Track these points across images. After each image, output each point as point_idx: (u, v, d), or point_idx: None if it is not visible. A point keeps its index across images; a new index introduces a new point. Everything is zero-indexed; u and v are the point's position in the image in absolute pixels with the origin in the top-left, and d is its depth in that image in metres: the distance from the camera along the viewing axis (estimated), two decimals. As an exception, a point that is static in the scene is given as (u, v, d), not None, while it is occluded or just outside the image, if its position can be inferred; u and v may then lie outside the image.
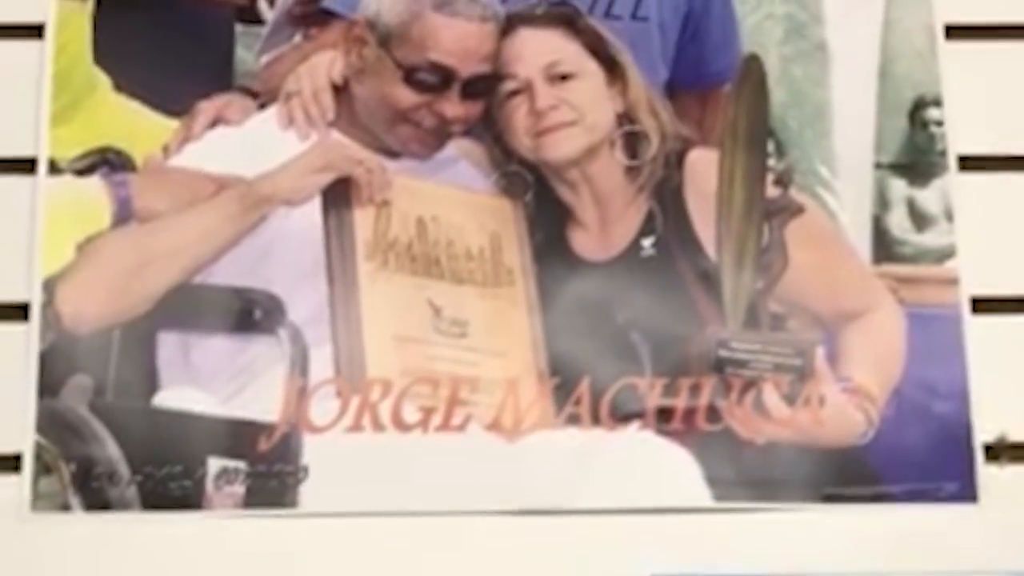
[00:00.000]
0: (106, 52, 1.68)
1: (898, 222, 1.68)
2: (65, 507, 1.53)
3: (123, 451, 1.54)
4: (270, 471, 1.54)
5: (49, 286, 1.58)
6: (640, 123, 1.66)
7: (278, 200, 1.62)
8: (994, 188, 1.67)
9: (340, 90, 1.68)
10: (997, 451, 1.58)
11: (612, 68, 1.67)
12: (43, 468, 1.54)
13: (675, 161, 1.66)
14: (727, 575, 1.49)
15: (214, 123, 1.67)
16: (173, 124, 1.67)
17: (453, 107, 1.65)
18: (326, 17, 1.73)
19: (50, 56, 1.66)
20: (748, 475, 1.56)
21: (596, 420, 1.57)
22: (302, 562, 1.53)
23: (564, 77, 1.66)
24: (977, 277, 1.63)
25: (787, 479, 1.56)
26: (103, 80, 1.68)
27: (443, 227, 1.64)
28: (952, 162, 1.67)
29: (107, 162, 1.64)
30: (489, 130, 1.67)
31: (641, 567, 1.51)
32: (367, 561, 1.53)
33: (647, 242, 1.65)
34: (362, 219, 1.62)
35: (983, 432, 1.58)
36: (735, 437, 1.57)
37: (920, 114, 1.70)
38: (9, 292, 1.59)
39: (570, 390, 1.58)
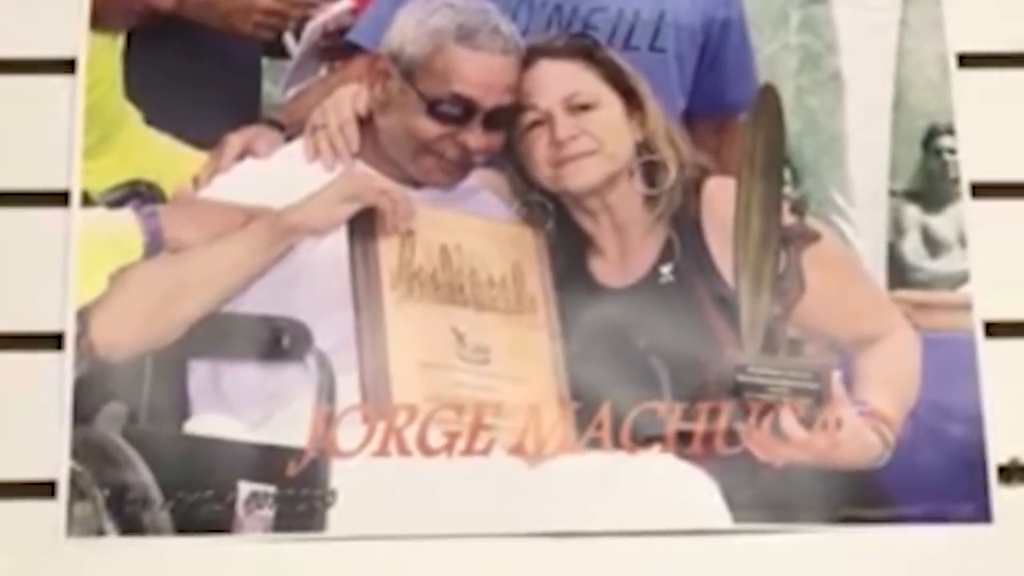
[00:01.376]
0: (137, 86, 1.71)
1: (912, 248, 1.70)
2: (100, 532, 1.56)
3: (156, 476, 1.57)
4: (299, 495, 1.57)
5: (83, 316, 1.61)
6: (658, 152, 1.69)
7: (305, 230, 1.65)
8: (1007, 214, 1.69)
9: (364, 122, 1.71)
10: (1011, 473, 1.60)
11: (631, 99, 1.69)
12: (78, 494, 1.57)
13: (693, 189, 1.68)
14: (746, 596, 1.52)
15: (242, 155, 1.70)
16: (202, 156, 1.70)
17: (475, 138, 1.67)
18: (351, 51, 1.76)
19: (82, 90, 1.69)
20: (766, 497, 1.58)
21: (617, 444, 1.59)
22: (330, 584, 1.56)
23: (584, 108, 1.68)
24: (990, 302, 1.65)
25: (805, 501, 1.58)
26: (134, 113, 1.71)
27: (466, 255, 1.67)
28: (965, 189, 1.69)
29: (138, 194, 1.67)
30: (510, 160, 1.70)
31: (662, 588, 1.53)
32: (394, 583, 1.55)
33: (666, 269, 1.67)
34: (387, 248, 1.64)
35: (997, 454, 1.60)
36: (753, 460, 1.59)
37: (933, 142, 1.72)
38: (44, 322, 1.62)
39: (591, 414, 1.60)
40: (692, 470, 1.59)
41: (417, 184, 1.70)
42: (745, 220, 1.64)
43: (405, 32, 1.68)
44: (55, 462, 1.58)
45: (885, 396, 1.62)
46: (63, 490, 1.57)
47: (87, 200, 1.66)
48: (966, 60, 1.73)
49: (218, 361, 1.63)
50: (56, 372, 1.60)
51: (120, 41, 1.72)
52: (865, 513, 1.58)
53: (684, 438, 1.59)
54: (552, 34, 1.72)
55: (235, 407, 1.62)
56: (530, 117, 1.68)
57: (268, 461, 1.57)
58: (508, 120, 1.68)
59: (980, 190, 1.69)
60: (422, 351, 1.62)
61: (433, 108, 1.67)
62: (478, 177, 1.71)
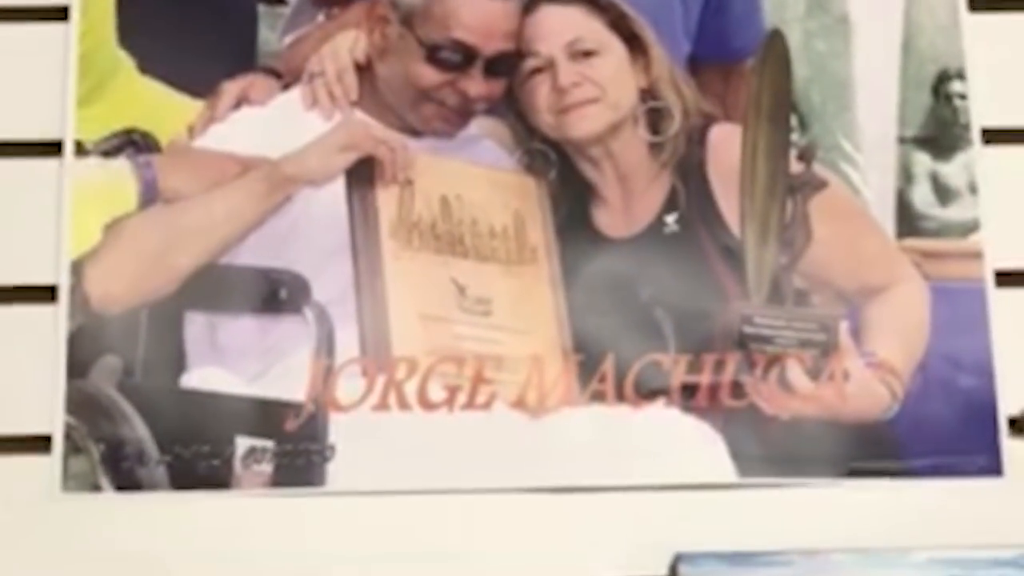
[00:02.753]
0: (130, 34, 1.68)
1: (922, 196, 1.67)
2: (95, 487, 1.55)
3: (152, 431, 1.55)
4: (297, 450, 1.55)
5: (77, 268, 1.59)
6: (663, 99, 1.66)
7: (303, 180, 1.62)
8: (1018, 161, 1.67)
9: (363, 70, 1.68)
10: (1022, 425, 1.58)
11: (634, 44, 1.67)
12: (73, 448, 1.55)
13: (698, 137, 1.66)
14: (752, 551, 1.50)
15: (238, 104, 1.68)
16: (198, 105, 1.67)
17: (476, 85, 1.65)
18: (349, -4, 1.73)
19: (75, 38, 1.66)
20: (773, 451, 1.56)
21: (621, 397, 1.57)
22: (329, 540, 1.54)
23: (587, 54, 1.66)
24: (1001, 250, 1.63)
25: (812, 454, 1.57)
26: (128, 62, 1.68)
27: (467, 205, 1.65)
28: (976, 135, 1.67)
29: (132, 143, 1.65)
30: (512, 108, 1.67)
31: (666, 543, 1.51)
32: (393, 539, 1.54)
33: (670, 218, 1.65)
34: (386, 198, 1.62)
35: (1008, 406, 1.58)
36: (759, 413, 1.57)
37: (943, 87, 1.69)
38: (37, 274, 1.60)
39: (594, 367, 1.58)
40: (697, 423, 1.57)
41: (417, 133, 1.67)
42: (751, 168, 1.62)
43: (404, -23, 1.66)
44: (49, 416, 1.56)
45: (894, 347, 1.60)
46: (58, 445, 1.55)
47: (80, 150, 1.64)
48: (977, 3, 1.70)
49: (215, 314, 1.61)
50: (50, 325, 1.59)
51: (113, -12, 1.69)
52: (873, 466, 1.57)
53: (689, 391, 1.57)
54: (554, -22, 1.69)
55: (232, 360, 1.60)
56: (532, 64, 1.66)
57: (266, 415, 1.56)
58: (509, 67, 1.66)
59: (991, 136, 1.67)
60: (422, 303, 1.60)
61: (433, 55, 1.65)
62: (479, 125, 1.68)
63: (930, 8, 1.71)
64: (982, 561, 1.49)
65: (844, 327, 1.59)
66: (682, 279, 1.62)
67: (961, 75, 1.69)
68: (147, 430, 1.55)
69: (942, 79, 1.69)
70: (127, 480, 1.55)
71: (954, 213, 1.66)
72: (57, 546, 1.53)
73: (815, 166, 1.62)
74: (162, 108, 1.67)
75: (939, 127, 1.69)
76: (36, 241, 1.61)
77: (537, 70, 1.65)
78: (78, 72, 1.66)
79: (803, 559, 1.50)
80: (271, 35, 1.73)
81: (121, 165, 1.63)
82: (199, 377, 1.59)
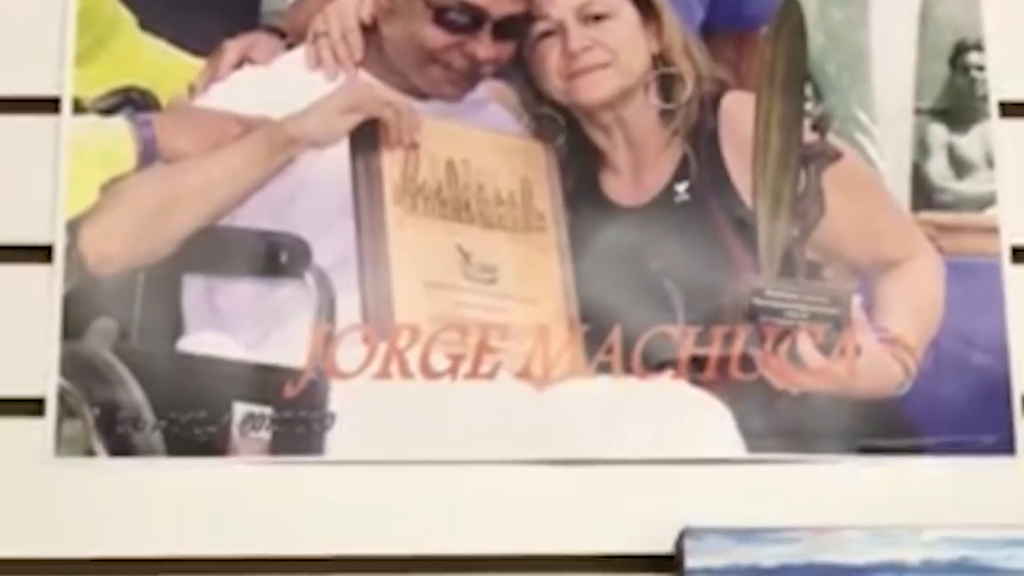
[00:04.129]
0: (131, -11, 1.66)
1: (938, 169, 1.65)
2: (89, 452, 1.52)
3: (147, 396, 1.53)
4: (296, 417, 1.53)
5: (73, 227, 1.57)
6: (675, 65, 1.64)
7: (305, 142, 1.60)
8: (1036, 135, 1.65)
9: (369, 30, 1.65)
10: (1036, 404, 1.57)
11: (647, 9, 1.64)
12: (67, 412, 1.53)
13: (710, 105, 1.63)
14: (761, 526, 1.48)
15: (240, 63, 1.65)
16: (199, 63, 1.65)
17: (484, 48, 1.62)
18: (355, -45, 1.71)
19: (74, -7, 1.64)
20: (782, 426, 1.54)
21: (628, 369, 1.55)
22: (327, 509, 1.52)
23: (598, 18, 1.63)
24: (1018, 225, 1.61)
25: (822, 430, 1.55)
26: (127, 18, 1.65)
27: (473, 171, 1.62)
28: (993, 108, 1.64)
29: (131, 101, 1.62)
30: (521, 72, 1.64)
31: (673, 518, 1.49)
32: (393, 509, 1.51)
33: (681, 187, 1.63)
34: (390, 162, 1.60)
35: (1022, 384, 1.56)
36: (769, 387, 1.55)
37: (961, 59, 1.67)
38: (33, 233, 1.57)
39: (601, 338, 1.56)
40: (705, 397, 1.55)
41: (423, 95, 1.65)
42: (764, 137, 1.60)
43: (412, -64, 1.64)
44: (43, 379, 1.54)
45: (907, 322, 1.58)
46: (51, 408, 1.53)
47: (78, 107, 1.61)
48: (996, -27, 1.69)
49: (213, 277, 1.59)
50: (45, 285, 1.56)
51: (114, -58, 1.67)
52: (884, 443, 1.55)
53: (697, 364, 1.55)
54: (565, -60, 1.67)
55: (231, 325, 1.57)
56: (541, 27, 1.63)
57: (264, 381, 1.53)
58: (518, 30, 1.63)
59: (1009, 109, 1.64)
60: (426, 270, 1.58)
61: (440, 16, 1.62)
62: (487, 89, 1.66)
63: (948, -22, 1.69)
64: (994, 540, 1.48)
65: (856, 301, 1.57)
66: (692, 249, 1.60)
67: (979, 46, 1.66)
68: (143, 394, 1.53)
69: (959, 50, 1.67)
70: (122, 445, 1.52)
71: (970, 186, 1.64)
72: (50, 511, 1.51)
73: (830, 137, 1.60)
74: (163, 66, 1.65)
75: (956, 99, 1.67)
76: (32, 200, 1.58)
77: (547, 33, 1.63)
78: (77, 28, 1.63)
79: (811, 536, 1.47)
80: (275, -7, 1.71)
81: (120, 123, 1.60)
82: (197, 341, 1.57)
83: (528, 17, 1.63)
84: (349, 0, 1.67)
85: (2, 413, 1.53)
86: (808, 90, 1.64)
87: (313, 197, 1.60)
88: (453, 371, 1.55)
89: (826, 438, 1.54)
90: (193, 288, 1.59)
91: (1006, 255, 1.60)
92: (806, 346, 1.55)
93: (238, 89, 1.64)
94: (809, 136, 1.59)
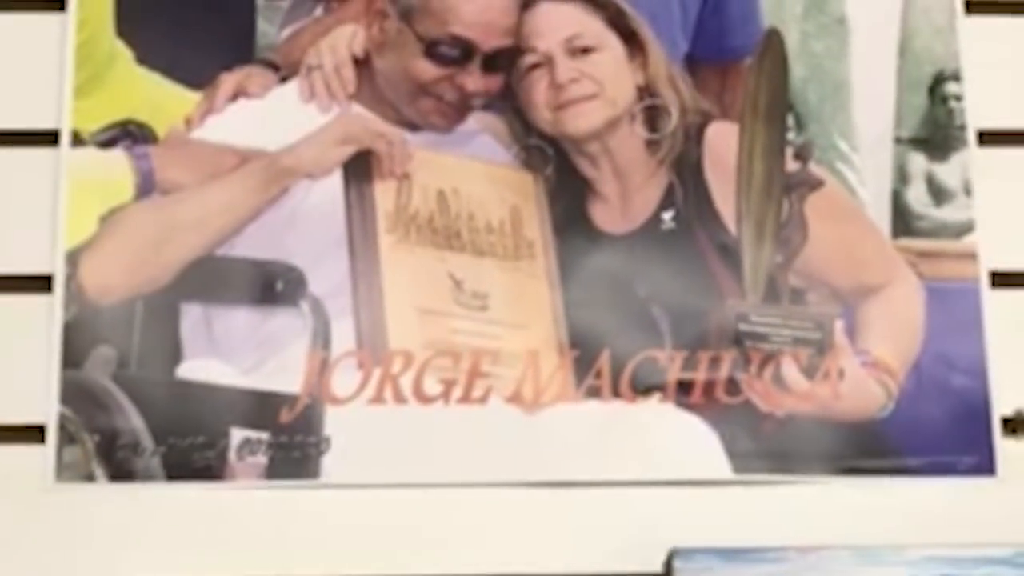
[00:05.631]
0: (128, 24, 1.68)
1: (917, 196, 1.68)
2: (89, 477, 1.54)
3: (146, 422, 1.55)
4: (292, 442, 1.55)
5: (72, 258, 1.59)
6: (660, 96, 1.66)
7: (300, 173, 1.62)
8: (1013, 163, 1.67)
9: (361, 63, 1.68)
10: (1015, 425, 1.59)
11: (632, 42, 1.67)
12: (67, 438, 1.55)
13: (695, 135, 1.66)
14: (748, 546, 1.50)
15: (235, 96, 1.67)
16: (195, 97, 1.67)
17: (474, 80, 1.65)
18: (347, -10, 1.73)
19: (72, 28, 1.66)
20: (767, 448, 1.57)
21: (616, 393, 1.58)
22: (324, 532, 1.54)
23: (585, 50, 1.66)
24: (996, 251, 1.64)
25: (806, 452, 1.57)
26: (125, 52, 1.68)
27: (464, 200, 1.65)
28: (971, 137, 1.67)
29: (129, 134, 1.64)
30: (510, 103, 1.67)
31: (662, 538, 1.51)
32: (388, 532, 1.54)
33: (667, 215, 1.65)
34: (383, 192, 1.62)
35: (1001, 406, 1.59)
36: (755, 410, 1.57)
37: (939, 89, 1.70)
38: (33, 264, 1.59)
39: (590, 363, 1.58)
40: (692, 420, 1.57)
41: (414, 127, 1.67)
42: (748, 166, 1.62)
43: (403, -28, 1.66)
44: (44, 406, 1.56)
45: (888, 346, 1.60)
46: (52, 435, 1.55)
47: (77, 140, 1.63)
48: (973, 6, 1.71)
49: (211, 305, 1.61)
50: (45, 315, 1.58)
51: (111, -22, 1.69)
52: (867, 464, 1.57)
53: (684, 387, 1.58)
54: (553, -25, 1.69)
55: (228, 352, 1.59)
56: (530, 59, 1.66)
57: (261, 407, 1.55)
58: (507, 62, 1.66)
59: (986, 138, 1.68)
60: (419, 297, 1.60)
61: (431, 49, 1.65)
62: (477, 120, 1.68)
63: (926, 10, 1.72)
64: (975, 559, 1.50)
65: (839, 326, 1.60)
66: (678, 276, 1.62)
67: (957, 77, 1.69)
68: (142, 421, 1.55)
69: (938, 81, 1.70)
70: (121, 471, 1.54)
71: (949, 214, 1.67)
72: (51, 536, 1.53)
73: (811, 165, 1.62)
74: (159, 99, 1.67)
75: (935, 128, 1.69)
76: (32, 231, 1.60)
77: (535, 66, 1.66)
78: (75, 62, 1.65)
79: (797, 555, 1.50)
80: (269, 28, 1.73)
81: (118, 156, 1.62)
82: (194, 368, 1.59)
83: (517, 50, 1.65)
84: (342, 34, 1.69)
85: (3, 440, 1.55)
86: (790, 120, 1.66)
87: (308, 227, 1.62)
88: (446, 396, 1.57)
89: (810, 460, 1.57)
90: (191, 316, 1.61)
91: (984, 280, 1.63)
92: (790, 370, 1.58)
93: (233, 121, 1.66)
94: (791, 165, 1.62)
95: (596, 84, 1.65)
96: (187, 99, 1.67)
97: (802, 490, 1.56)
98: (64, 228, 1.60)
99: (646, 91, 1.67)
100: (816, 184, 1.62)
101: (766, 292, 1.60)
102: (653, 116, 1.66)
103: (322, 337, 1.58)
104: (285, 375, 1.57)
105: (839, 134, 1.70)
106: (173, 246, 1.60)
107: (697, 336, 1.59)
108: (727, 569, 1.49)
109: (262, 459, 1.55)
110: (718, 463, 1.56)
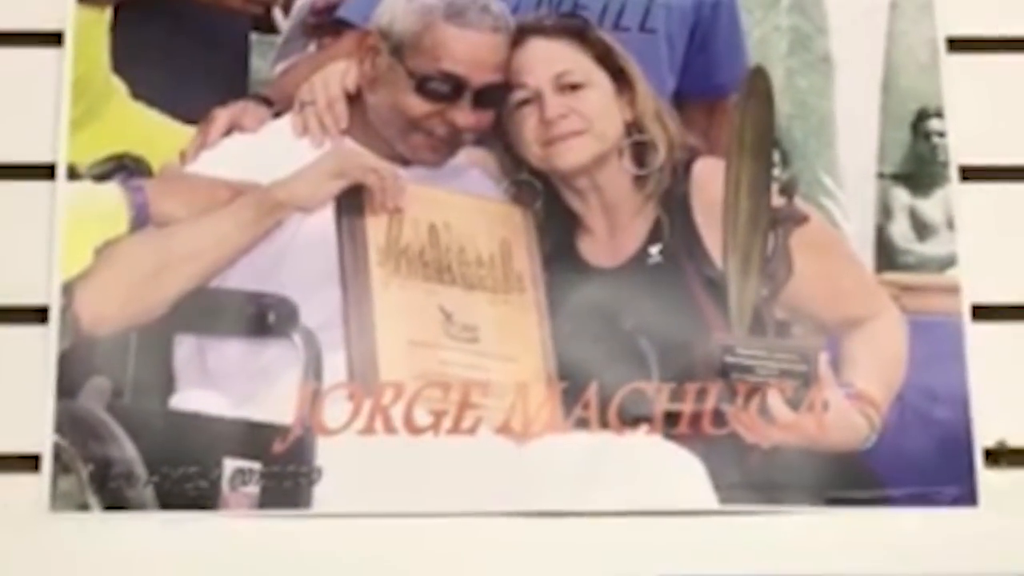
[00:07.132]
0: (124, 60, 1.70)
1: (900, 231, 1.70)
2: (83, 507, 1.56)
3: (140, 452, 1.56)
4: (284, 472, 1.56)
5: (68, 289, 1.60)
6: (648, 132, 1.68)
7: (293, 206, 1.64)
8: (995, 198, 1.69)
9: (353, 99, 1.70)
10: (997, 456, 1.61)
11: (620, 78, 1.69)
12: (62, 468, 1.56)
13: (682, 170, 1.68)
14: (733, 576, 1.52)
15: (229, 130, 1.69)
16: (189, 131, 1.69)
17: (464, 116, 1.67)
18: (340, 27, 1.75)
19: (69, 63, 1.68)
20: (753, 478, 1.58)
21: (604, 424, 1.59)
22: (315, 562, 1.55)
23: (574, 87, 1.68)
24: (978, 285, 1.66)
25: (791, 483, 1.58)
26: (120, 87, 1.70)
27: (454, 234, 1.66)
28: (954, 172, 1.69)
29: (125, 168, 1.66)
30: (500, 139, 1.69)
31: (648, 569, 1.53)
32: (379, 561, 1.55)
33: (654, 249, 1.67)
34: (375, 226, 1.64)
35: (983, 437, 1.61)
36: (740, 441, 1.59)
37: (922, 125, 1.72)
38: (29, 295, 1.61)
39: (579, 394, 1.60)
40: (679, 451, 1.59)
41: (406, 162, 1.69)
42: (734, 201, 1.64)
43: (394, 9, 1.68)
44: (39, 436, 1.57)
45: (872, 378, 1.62)
46: (47, 464, 1.56)
47: (73, 173, 1.65)
48: (956, 44, 1.73)
49: (204, 337, 1.63)
50: (41, 346, 1.60)
51: (107, 14, 1.71)
52: (851, 495, 1.59)
53: (671, 419, 1.59)
54: (542, 13, 1.72)
55: (221, 383, 1.61)
56: (519, 95, 1.68)
57: (253, 438, 1.57)
58: (497, 98, 1.68)
59: (969, 173, 1.70)
60: (410, 329, 1.61)
61: (422, 85, 1.67)
62: (467, 155, 1.70)
63: (910, 48, 1.74)
64: (958, 589, 1.52)
65: (824, 358, 1.61)
66: (665, 309, 1.64)
67: (940, 113, 1.71)
68: (135, 451, 1.56)
69: (921, 117, 1.72)
70: (115, 500, 1.56)
71: (932, 248, 1.69)
72: (45, 565, 1.54)
73: (796, 201, 1.64)
74: (154, 133, 1.69)
75: (918, 164, 1.72)
76: (28, 262, 1.62)
77: (525, 102, 1.68)
78: (71, 97, 1.67)
79: (782, 585, 1.51)
80: (263, 63, 1.75)
81: (113, 189, 1.64)
82: (188, 399, 1.60)
83: (506, 86, 1.68)
84: (334, 70, 1.71)
85: (-1, 469, 1.57)
86: (776, 156, 1.68)
87: (300, 260, 1.64)
88: (436, 427, 1.59)
89: (795, 490, 1.58)
90: (184, 347, 1.63)
91: (966, 313, 1.65)
92: (776, 401, 1.60)
93: (227, 156, 1.68)
94: (777, 200, 1.63)
95: (585, 120, 1.67)
96: (182, 133, 1.69)
97: (787, 520, 1.57)
98: (60, 260, 1.62)
99: (634, 127, 1.69)
100: (801, 219, 1.63)
101: (752, 325, 1.62)
102: (641, 152, 1.68)
103: (314, 369, 1.59)
104: (277, 406, 1.58)
105: (824, 170, 1.72)
106: (167, 278, 1.61)
107: (684, 368, 1.61)
108: (713, 598, 1.51)
109: (254, 489, 1.56)
110: (704, 494, 1.57)
